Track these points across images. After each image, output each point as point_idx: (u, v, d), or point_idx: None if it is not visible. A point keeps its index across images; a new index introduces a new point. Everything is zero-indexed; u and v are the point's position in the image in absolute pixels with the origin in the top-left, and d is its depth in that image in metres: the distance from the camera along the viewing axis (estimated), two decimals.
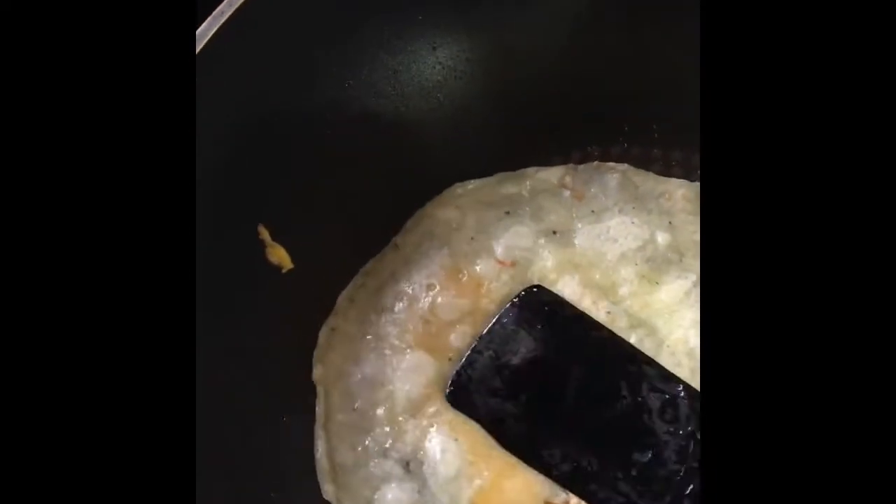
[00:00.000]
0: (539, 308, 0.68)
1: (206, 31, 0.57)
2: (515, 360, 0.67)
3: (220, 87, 0.57)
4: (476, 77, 0.73)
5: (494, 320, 0.68)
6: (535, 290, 0.69)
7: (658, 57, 0.69)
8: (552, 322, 0.68)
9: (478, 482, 0.65)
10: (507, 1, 0.70)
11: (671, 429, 0.63)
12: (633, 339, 0.68)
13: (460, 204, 0.75)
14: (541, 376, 0.66)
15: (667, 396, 0.64)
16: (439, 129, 0.74)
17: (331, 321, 0.71)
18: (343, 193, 0.70)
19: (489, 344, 0.68)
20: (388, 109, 0.71)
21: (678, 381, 0.65)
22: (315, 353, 0.70)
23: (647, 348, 0.67)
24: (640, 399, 0.64)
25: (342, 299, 0.72)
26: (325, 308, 0.72)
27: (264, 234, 0.66)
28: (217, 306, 0.57)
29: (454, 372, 0.67)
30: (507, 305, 0.68)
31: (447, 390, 0.67)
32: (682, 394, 0.64)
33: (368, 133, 0.71)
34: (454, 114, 0.74)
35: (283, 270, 0.67)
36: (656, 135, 0.74)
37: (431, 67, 0.72)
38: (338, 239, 0.71)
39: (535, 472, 0.64)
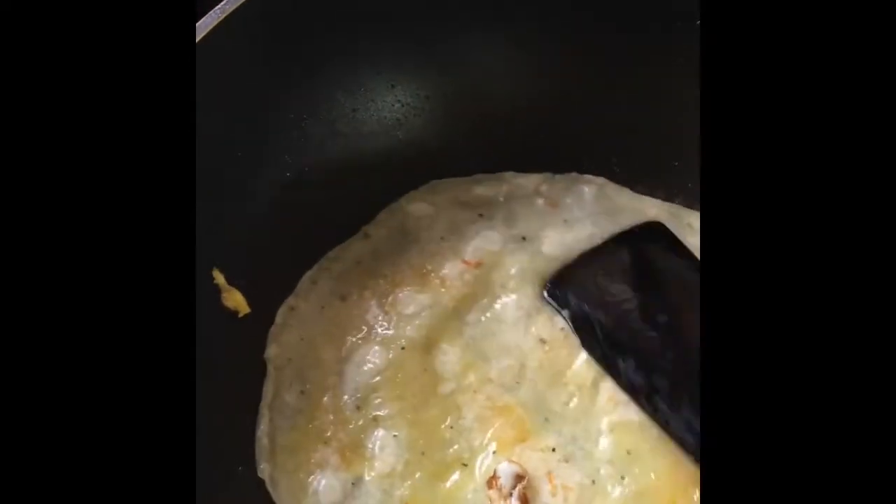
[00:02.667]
0: (656, 242, 0.71)
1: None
2: (617, 279, 0.69)
3: None
4: (436, 114, 0.74)
5: (610, 237, 0.71)
6: (658, 226, 0.72)
7: (619, 92, 0.70)
8: (662, 259, 0.70)
9: (410, 482, 0.65)
10: (465, 39, 0.70)
11: None
12: (583, 357, 0.67)
13: (435, 201, 0.75)
14: (634, 302, 0.68)
15: None
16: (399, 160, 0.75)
17: (290, 301, 0.71)
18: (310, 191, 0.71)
19: (598, 255, 0.70)
20: (346, 147, 0.72)
21: None
22: (271, 331, 0.70)
23: (597, 367, 0.67)
24: None
25: (304, 281, 0.72)
26: (286, 287, 0.72)
27: (219, 278, 0.66)
28: None
29: (561, 268, 0.70)
30: (630, 227, 0.71)
31: (548, 283, 0.69)
32: None
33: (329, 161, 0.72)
34: (412, 152, 0.74)
35: (240, 315, 0.67)
36: (616, 169, 0.74)
37: (390, 106, 0.73)
38: (307, 222, 0.71)
39: (470, 474, 0.64)
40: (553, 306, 0.69)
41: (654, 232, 0.72)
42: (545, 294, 0.69)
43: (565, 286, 0.69)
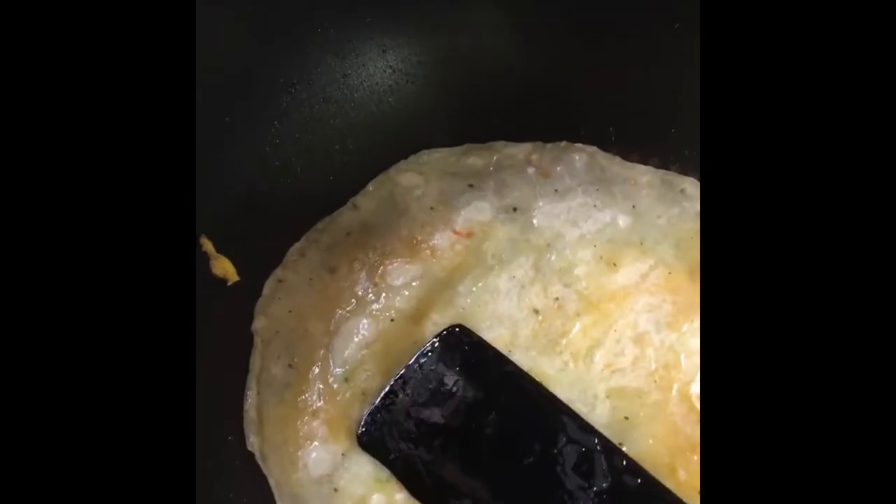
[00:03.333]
0: (459, 349, 0.65)
1: None
2: (431, 403, 0.63)
3: None
4: (428, 81, 0.72)
5: (412, 360, 0.64)
6: (456, 329, 0.65)
7: (616, 57, 0.68)
8: (471, 364, 0.64)
9: None
10: (459, 4, 0.68)
11: (585, 484, 0.59)
12: (577, 327, 0.66)
13: (424, 171, 0.73)
14: (456, 421, 0.62)
15: (583, 449, 0.60)
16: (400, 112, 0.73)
17: (278, 273, 0.70)
18: (299, 160, 0.70)
19: (405, 384, 0.64)
20: (336, 114, 0.71)
21: (595, 433, 0.60)
22: (258, 303, 0.69)
23: (593, 335, 0.66)
24: (555, 451, 0.60)
25: (292, 252, 0.70)
26: (274, 259, 0.70)
27: (207, 245, 0.65)
28: None
29: (366, 413, 0.63)
30: (426, 345, 0.65)
31: (358, 431, 0.63)
32: (599, 447, 0.60)
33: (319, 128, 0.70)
34: (403, 121, 0.73)
35: (229, 283, 0.66)
36: (612, 138, 0.73)
37: (382, 71, 0.71)
38: (296, 192, 0.70)
39: None
40: (372, 456, 0.63)
41: (453, 337, 0.65)
42: (359, 445, 0.63)
43: (379, 431, 0.63)
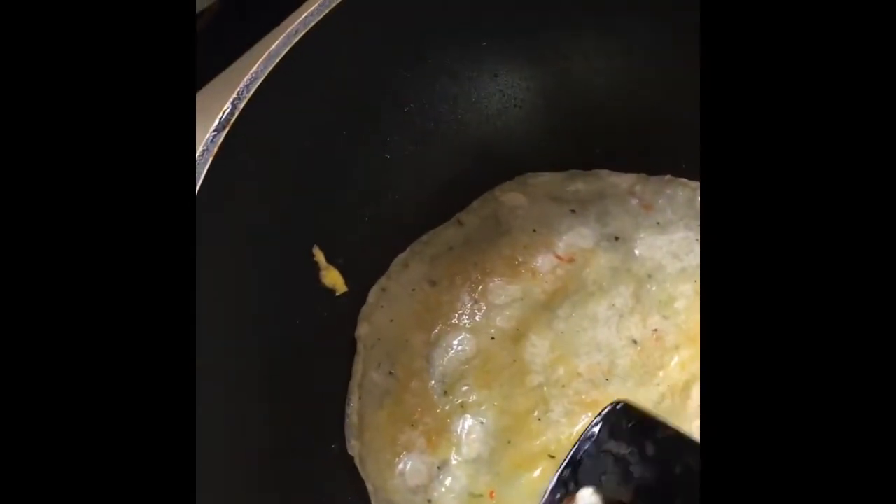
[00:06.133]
0: (624, 428, 0.58)
1: (276, 52, 0.58)
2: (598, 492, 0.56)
3: (281, 107, 0.60)
4: (536, 106, 0.74)
5: (575, 447, 0.58)
6: (618, 407, 0.59)
7: None
8: (640, 446, 0.57)
9: (496, 469, 0.65)
10: (571, 32, 0.70)
11: None
12: (675, 360, 0.67)
13: (528, 193, 0.75)
14: None
15: None
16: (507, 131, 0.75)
17: (382, 282, 0.71)
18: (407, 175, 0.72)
19: (569, 475, 0.57)
20: (445, 133, 0.72)
21: None
22: (362, 311, 0.70)
23: (691, 370, 0.67)
24: None
25: (396, 263, 0.72)
26: (380, 268, 0.72)
27: (319, 256, 0.66)
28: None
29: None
30: (587, 430, 0.58)
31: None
32: None
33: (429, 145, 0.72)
34: (509, 143, 0.75)
35: (337, 294, 0.68)
36: None
37: (492, 95, 0.73)
38: (403, 205, 0.72)
39: (556, 467, 0.64)
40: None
41: (616, 415, 0.59)
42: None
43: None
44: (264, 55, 0.59)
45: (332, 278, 0.68)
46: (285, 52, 0.59)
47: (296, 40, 0.59)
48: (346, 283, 0.69)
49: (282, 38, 0.59)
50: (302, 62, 0.60)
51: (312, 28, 0.60)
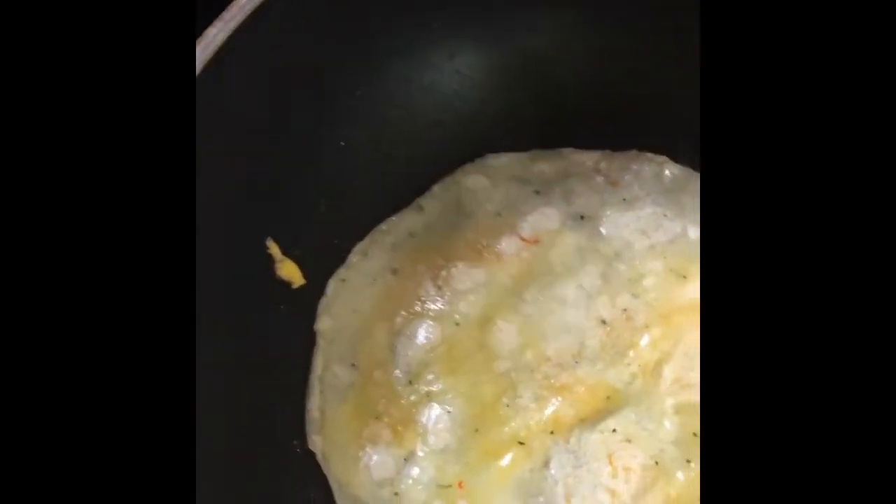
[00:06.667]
0: None
1: (213, 37, 0.56)
2: None
3: (225, 98, 0.57)
4: (495, 86, 0.72)
5: None
6: None
7: (687, 65, 0.67)
8: None
9: (464, 459, 0.63)
10: (528, 9, 0.68)
11: None
12: (646, 340, 0.65)
13: (491, 175, 0.73)
14: None
15: None
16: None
17: (342, 273, 0.69)
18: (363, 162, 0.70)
19: None
20: (401, 117, 0.70)
21: None
22: (321, 303, 0.68)
23: (662, 348, 0.65)
24: None
25: (355, 252, 0.70)
26: (338, 259, 0.70)
27: (274, 248, 0.65)
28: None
29: None
30: None
31: None
32: None
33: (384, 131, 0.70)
34: (469, 125, 0.72)
35: (294, 286, 0.66)
36: (683, 147, 0.72)
37: (449, 76, 0.71)
38: (360, 193, 0.70)
39: (527, 453, 0.62)
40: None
41: None
42: None
43: None
44: (200, 44, 0.56)
45: (289, 271, 0.66)
46: (223, 39, 0.56)
47: (233, 26, 0.57)
48: (304, 275, 0.66)
49: (218, 24, 0.57)
50: (242, 49, 0.57)
51: (252, 13, 0.57)
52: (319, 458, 0.64)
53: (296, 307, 0.66)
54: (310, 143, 0.67)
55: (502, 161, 0.73)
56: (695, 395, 0.63)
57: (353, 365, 0.66)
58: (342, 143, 0.69)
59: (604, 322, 0.66)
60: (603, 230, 0.69)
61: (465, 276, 0.69)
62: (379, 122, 0.70)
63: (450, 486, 0.62)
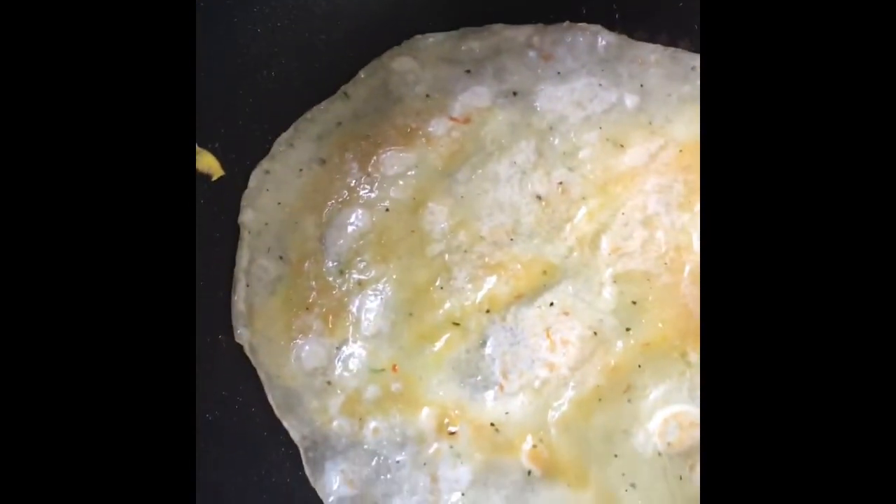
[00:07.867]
0: None
1: None
2: None
3: None
4: None
5: None
6: None
7: None
8: None
9: (397, 344, 0.61)
10: None
11: None
12: (583, 212, 0.63)
13: (419, 57, 0.69)
14: None
15: None
16: None
17: (265, 164, 0.66)
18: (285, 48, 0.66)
19: None
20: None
21: None
22: (244, 196, 0.65)
23: (600, 220, 0.62)
24: None
25: (280, 143, 0.67)
26: (261, 151, 0.67)
27: None
28: None
29: None
30: None
31: None
32: None
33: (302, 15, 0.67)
34: (394, 5, 0.69)
35: (213, 178, 0.63)
36: (617, 15, 0.68)
37: None
38: (283, 82, 0.66)
39: (462, 334, 0.60)
40: None
41: None
42: None
43: None
44: None
45: (207, 162, 0.63)
46: None
47: None
48: (223, 166, 0.63)
49: None
50: None
51: None
52: (247, 350, 0.62)
53: (216, 200, 0.63)
54: (226, 31, 0.63)
55: (430, 41, 0.69)
56: (633, 264, 0.61)
57: (281, 257, 0.64)
58: (258, 30, 0.65)
59: (539, 197, 0.64)
60: (537, 105, 0.66)
61: (395, 160, 0.66)
62: (297, 6, 0.66)
63: (383, 370, 0.60)
